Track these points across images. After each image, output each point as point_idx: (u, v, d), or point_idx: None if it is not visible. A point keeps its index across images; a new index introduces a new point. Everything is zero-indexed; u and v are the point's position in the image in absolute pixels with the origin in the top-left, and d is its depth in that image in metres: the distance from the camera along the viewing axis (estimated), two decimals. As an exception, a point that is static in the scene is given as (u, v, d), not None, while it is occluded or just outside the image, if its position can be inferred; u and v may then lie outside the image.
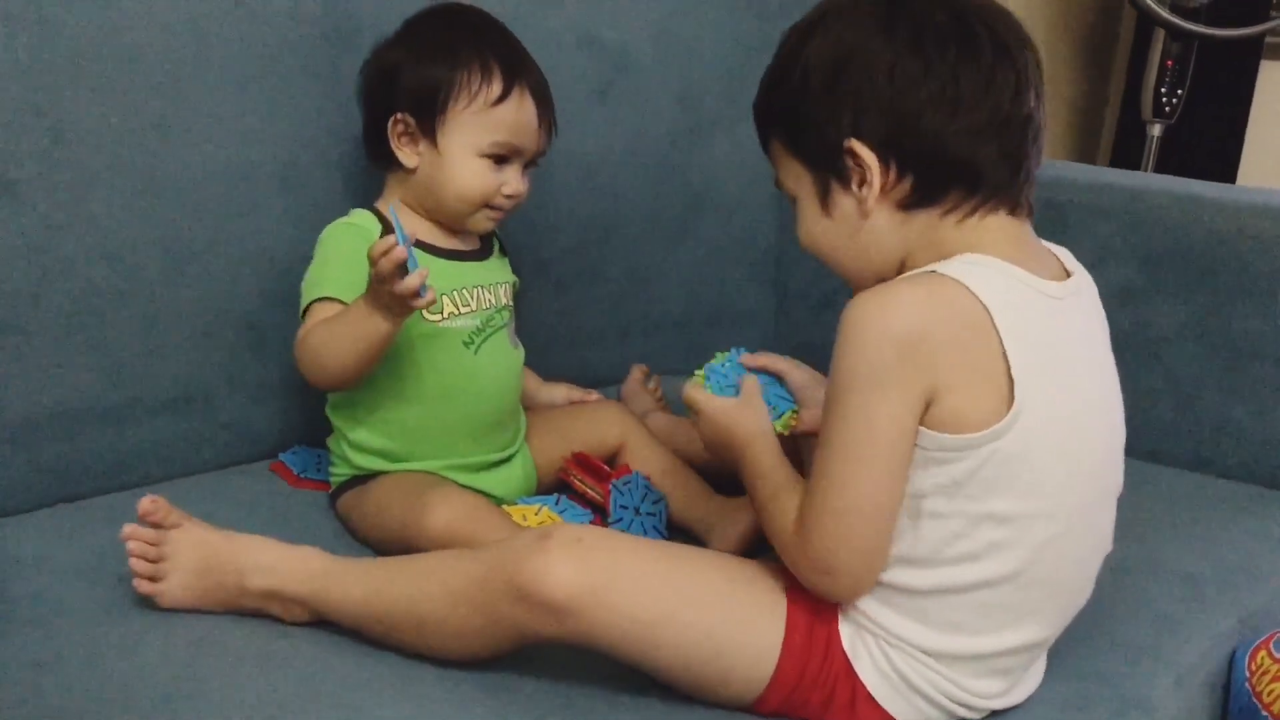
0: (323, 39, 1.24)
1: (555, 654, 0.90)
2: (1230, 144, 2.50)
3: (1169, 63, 2.38)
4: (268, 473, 1.23)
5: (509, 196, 1.15)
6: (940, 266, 0.83)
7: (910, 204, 0.86)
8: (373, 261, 0.98)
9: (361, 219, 1.15)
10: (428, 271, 0.99)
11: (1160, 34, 2.37)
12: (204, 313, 1.19)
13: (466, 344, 1.15)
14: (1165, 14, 2.31)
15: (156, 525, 0.96)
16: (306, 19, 1.23)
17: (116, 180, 1.12)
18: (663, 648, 0.85)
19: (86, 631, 0.93)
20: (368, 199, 1.20)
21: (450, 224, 1.17)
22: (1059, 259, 0.93)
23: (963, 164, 0.85)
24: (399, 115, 1.13)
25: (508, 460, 1.20)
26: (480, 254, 1.21)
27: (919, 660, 0.86)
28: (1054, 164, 1.70)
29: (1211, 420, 1.40)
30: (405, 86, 1.13)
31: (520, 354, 1.22)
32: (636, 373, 1.47)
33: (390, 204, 1.13)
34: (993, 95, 0.84)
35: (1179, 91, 2.42)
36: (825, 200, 0.89)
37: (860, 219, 0.87)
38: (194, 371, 1.19)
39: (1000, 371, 0.81)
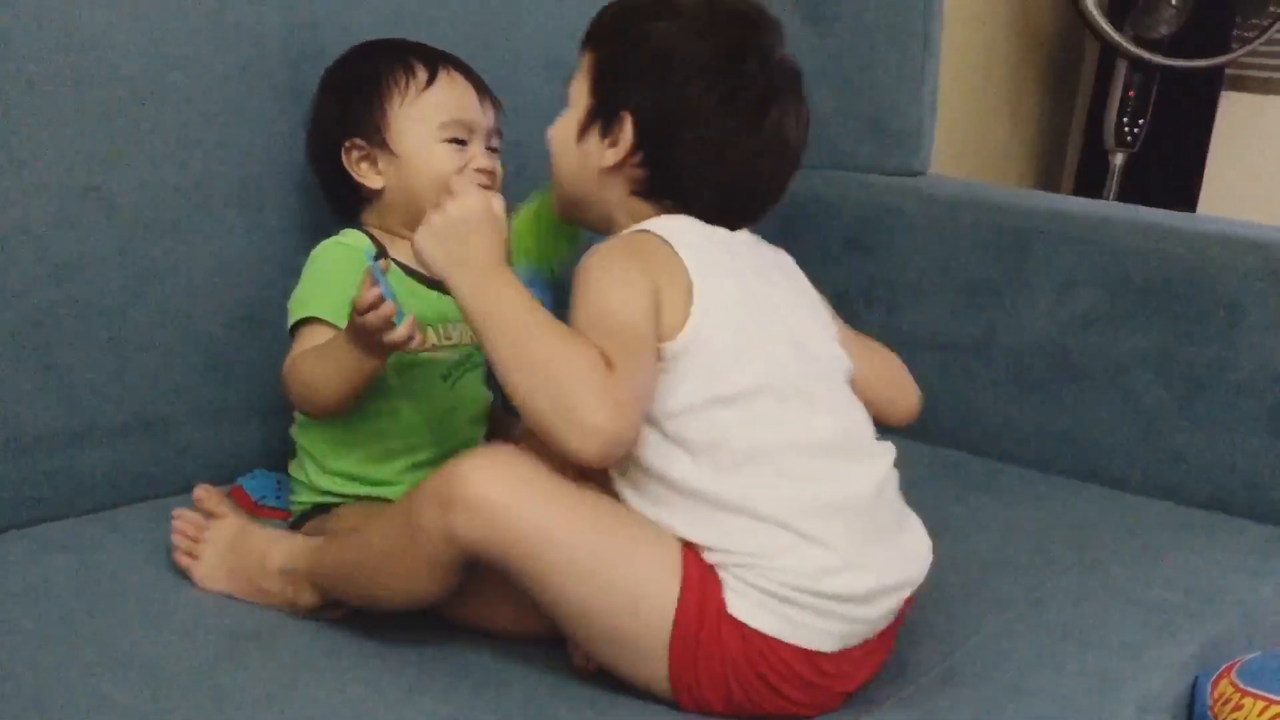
0: (284, 59, 1.23)
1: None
2: (1191, 173, 2.53)
3: (1131, 93, 2.41)
4: (226, 499, 1.21)
5: (480, 171, 1.15)
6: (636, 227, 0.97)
7: (631, 187, 0.99)
8: (358, 311, 0.98)
9: (354, 239, 1.14)
10: (414, 317, 0.99)
11: (1123, 64, 2.40)
12: (162, 335, 1.17)
13: (444, 377, 1.15)
14: (1128, 45, 2.34)
15: (206, 513, 1.06)
16: (268, 39, 1.22)
17: (72, 199, 1.10)
18: (575, 565, 0.87)
19: (33, 661, 0.91)
20: (332, 222, 1.19)
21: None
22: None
23: (690, 188, 0.98)
24: (349, 143, 1.14)
25: None
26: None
27: (759, 569, 0.87)
28: (1019, 192, 1.72)
29: (1172, 447, 1.41)
30: (342, 116, 1.15)
31: (490, 397, 1.22)
32: None
33: (370, 249, 1.11)
34: (754, 162, 0.98)
35: (1141, 121, 2.45)
36: (583, 130, 1.00)
37: (593, 166, 0.99)
38: (151, 395, 1.17)
39: (686, 288, 0.91)
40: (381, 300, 0.97)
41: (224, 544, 1.04)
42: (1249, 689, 1.04)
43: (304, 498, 1.14)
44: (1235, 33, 2.40)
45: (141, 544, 1.09)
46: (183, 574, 1.04)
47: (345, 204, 1.18)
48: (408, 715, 0.88)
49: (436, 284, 1.13)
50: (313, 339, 1.07)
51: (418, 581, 0.92)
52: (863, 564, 0.90)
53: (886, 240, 1.60)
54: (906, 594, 0.94)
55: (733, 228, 1.00)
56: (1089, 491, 1.42)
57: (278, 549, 1.02)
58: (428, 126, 1.14)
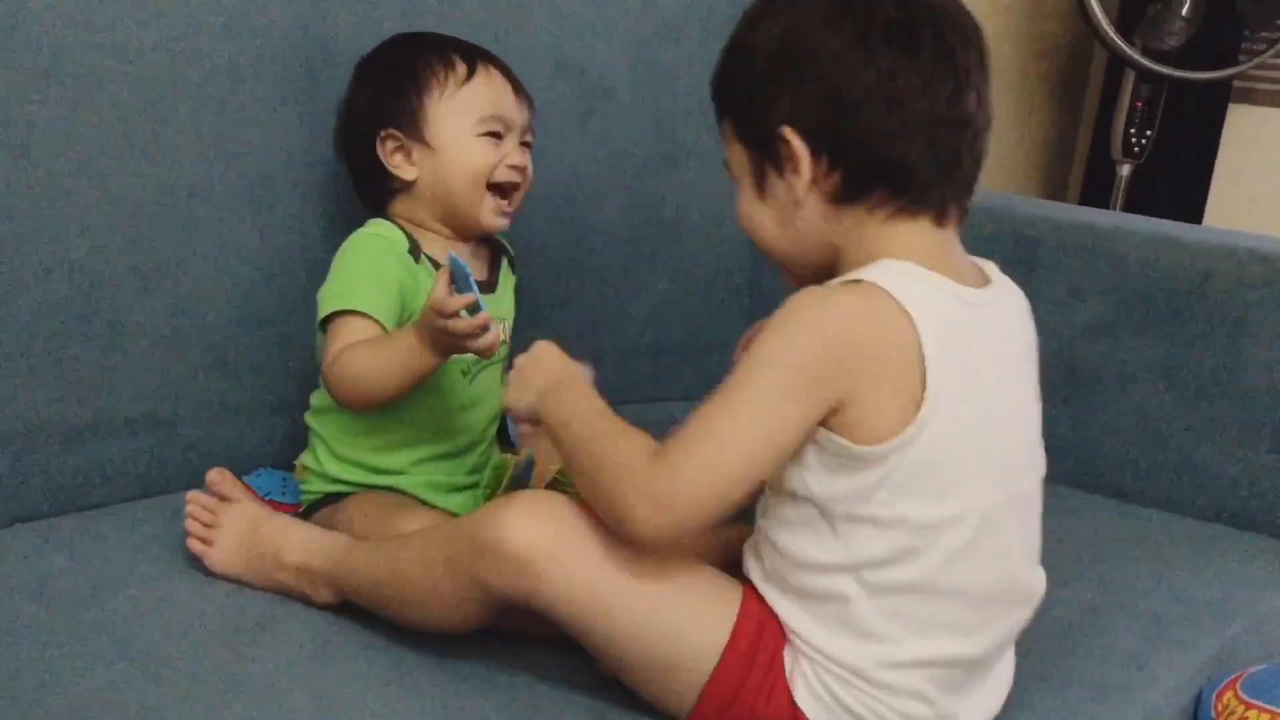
0: (297, 60, 1.23)
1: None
2: (1197, 185, 2.53)
3: (1139, 104, 2.41)
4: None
5: (513, 167, 1.15)
6: (872, 275, 0.84)
7: (839, 198, 0.87)
8: (444, 313, 0.96)
9: (386, 230, 1.13)
10: (500, 323, 0.99)
11: (1130, 75, 2.40)
12: (170, 331, 1.17)
13: (464, 373, 1.15)
14: (1136, 56, 2.34)
15: (220, 496, 1.05)
16: (282, 39, 1.22)
17: (84, 194, 1.11)
18: (615, 618, 0.86)
19: (39, 654, 0.91)
20: (342, 220, 1.19)
21: (465, 225, 1.16)
22: (981, 269, 0.94)
23: (891, 163, 0.85)
24: (384, 133, 1.13)
25: (477, 485, 1.19)
26: (489, 286, 1.20)
27: (849, 682, 0.85)
28: (1026, 201, 1.71)
29: (1178, 458, 1.40)
30: (378, 107, 1.14)
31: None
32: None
33: (449, 252, 1.05)
34: (929, 96, 0.84)
35: (1148, 132, 2.44)
36: (761, 183, 0.90)
37: (793, 206, 0.88)
38: (158, 391, 1.18)
39: (916, 381, 0.82)
40: (476, 307, 0.96)
41: (239, 531, 1.03)
42: (1254, 701, 1.04)
43: (315, 486, 1.15)
44: (1243, 46, 2.40)
45: (148, 539, 1.09)
46: (195, 560, 1.04)
47: (374, 195, 1.18)
48: (410, 710, 0.88)
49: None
50: (353, 332, 1.06)
51: (450, 615, 0.92)
52: (954, 713, 0.88)
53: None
54: None
55: (959, 206, 0.88)
56: (1095, 502, 1.41)
57: (294, 543, 1.01)
58: (466, 120, 1.14)
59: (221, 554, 1.03)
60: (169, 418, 1.19)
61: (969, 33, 0.88)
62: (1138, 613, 1.13)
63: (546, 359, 0.97)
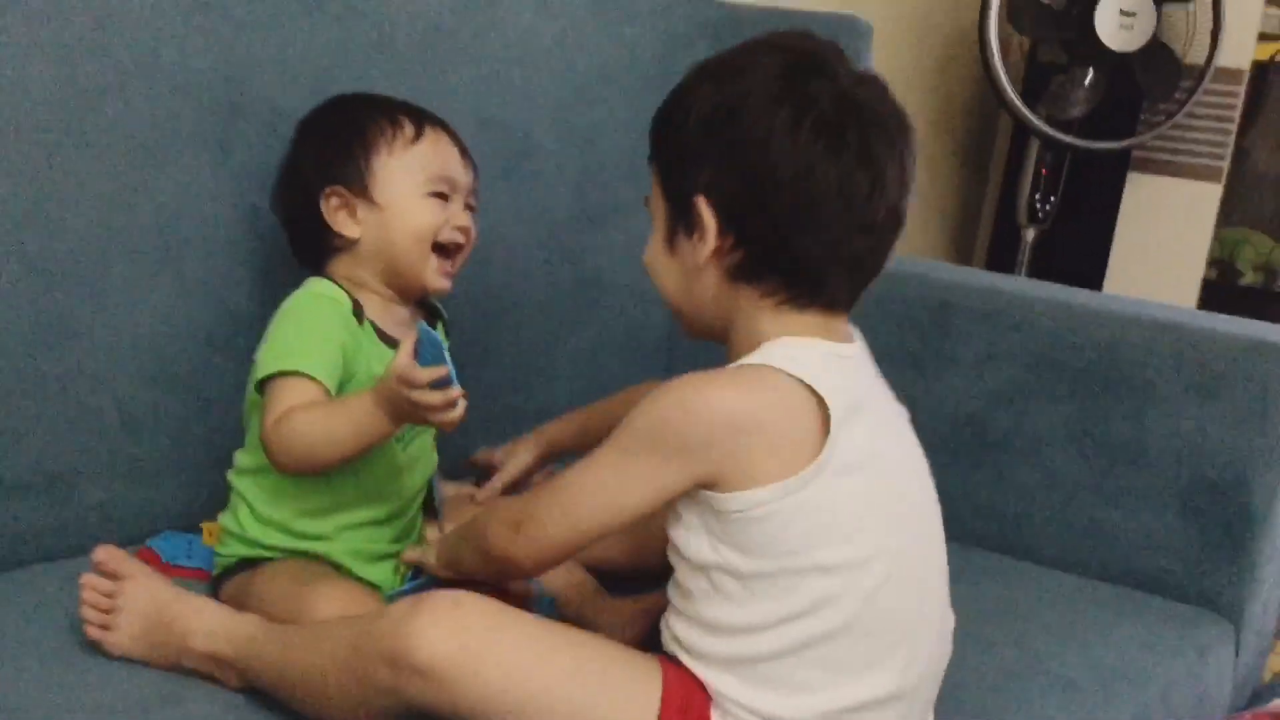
0: (215, 111, 1.20)
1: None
2: (1098, 250, 2.61)
3: (1043, 171, 2.48)
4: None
5: (459, 228, 1.14)
6: (759, 358, 0.86)
7: (736, 275, 0.89)
8: (412, 384, 0.93)
9: (329, 289, 1.10)
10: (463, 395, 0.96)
11: (1035, 143, 2.47)
12: (74, 389, 1.13)
13: (398, 439, 1.12)
14: (1041, 124, 2.41)
15: (111, 575, 0.99)
16: (201, 89, 1.19)
17: (-13, 247, 1.06)
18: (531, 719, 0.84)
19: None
20: (258, 280, 1.16)
21: (407, 284, 1.14)
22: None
23: (792, 256, 0.87)
24: (329, 190, 1.11)
25: (394, 558, 1.16)
26: None
27: None
28: (940, 265, 1.74)
29: (1086, 522, 1.43)
30: (323, 164, 1.12)
31: (435, 459, 1.20)
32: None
33: (419, 322, 1.04)
34: (841, 199, 0.86)
35: (1052, 198, 2.52)
36: (670, 238, 0.92)
37: (694, 270, 0.90)
38: (60, 450, 1.13)
39: (811, 436, 0.84)
40: (447, 380, 0.93)
41: (139, 613, 0.98)
42: (1167, 769, 1.05)
43: (232, 549, 1.10)
44: (1142, 117, 2.49)
45: (46, 605, 1.05)
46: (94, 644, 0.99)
47: (313, 254, 1.15)
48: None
49: (390, 338, 1.13)
50: (296, 394, 1.02)
51: (357, 717, 0.89)
52: None
53: (811, 309, 1.61)
54: None
55: (849, 297, 0.91)
56: (1006, 564, 1.43)
57: (199, 629, 0.97)
58: (414, 179, 1.12)
59: (121, 636, 0.98)
60: (71, 478, 1.14)
61: (897, 137, 0.89)
62: (1053, 679, 1.14)
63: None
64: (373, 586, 1.09)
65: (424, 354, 0.94)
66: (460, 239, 1.15)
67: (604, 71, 1.57)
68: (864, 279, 0.91)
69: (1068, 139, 2.42)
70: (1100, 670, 1.17)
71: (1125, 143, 2.47)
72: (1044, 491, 1.45)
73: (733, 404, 0.84)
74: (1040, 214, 2.53)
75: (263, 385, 1.05)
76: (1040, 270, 2.51)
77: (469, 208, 1.18)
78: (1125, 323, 1.42)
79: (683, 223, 0.90)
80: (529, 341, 1.54)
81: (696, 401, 0.84)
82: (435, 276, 1.14)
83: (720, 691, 0.87)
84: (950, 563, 1.39)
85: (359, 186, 1.11)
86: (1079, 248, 2.60)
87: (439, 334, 0.96)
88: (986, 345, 1.49)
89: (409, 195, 1.12)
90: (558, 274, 1.55)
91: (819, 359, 0.87)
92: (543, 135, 1.52)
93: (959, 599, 1.28)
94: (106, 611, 0.98)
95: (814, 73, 0.88)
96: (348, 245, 1.13)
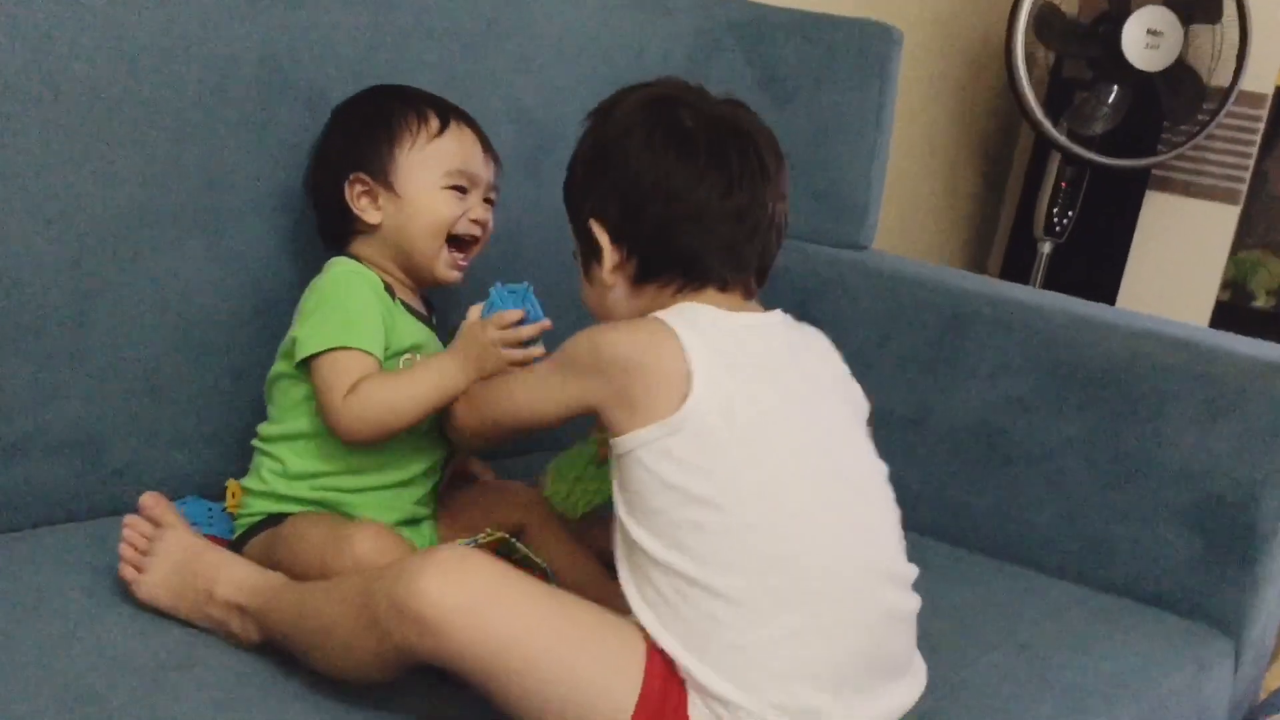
0: (253, 88, 1.22)
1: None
2: (1113, 265, 2.62)
3: (1063, 185, 2.49)
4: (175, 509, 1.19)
5: (475, 222, 1.18)
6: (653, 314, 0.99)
7: (638, 278, 1.02)
8: (508, 341, 1.09)
9: (358, 267, 1.15)
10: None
11: (1056, 157, 2.48)
12: (105, 354, 1.15)
13: None
14: (1062, 139, 2.43)
15: (154, 521, 1.04)
16: (239, 67, 1.21)
17: (26, 214, 1.08)
18: (528, 675, 0.87)
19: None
20: (290, 253, 1.18)
21: (419, 273, 1.18)
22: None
23: (676, 250, 1.00)
24: (353, 176, 1.16)
25: (418, 523, 1.18)
26: (428, 321, 1.21)
27: (726, 702, 0.87)
28: (959, 273, 1.75)
29: (1093, 534, 1.44)
30: (350, 151, 1.17)
31: None
32: None
33: (525, 284, 1.14)
34: (700, 192, 0.99)
35: (1070, 213, 2.53)
36: (586, 269, 1.06)
37: (606, 286, 1.04)
38: (89, 414, 1.15)
39: (678, 378, 0.92)
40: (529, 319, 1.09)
41: (173, 560, 1.02)
42: (1163, 777, 1.07)
43: (255, 507, 1.13)
44: (1163, 136, 2.50)
45: (71, 565, 1.07)
46: (119, 589, 1.02)
47: (336, 234, 1.20)
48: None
49: (417, 312, 1.18)
50: (358, 367, 1.08)
51: (367, 669, 0.92)
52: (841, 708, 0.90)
53: (829, 311, 1.63)
54: None
55: (737, 277, 1.02)
56: (1011, 573, 1.44)
57: (227, 579, 1.00)
58: (434, 172, 1.16)
59: (151, 583, 1.02)
60: (99, 441, 1.16)
61: (749, 140, 1.02)
62: (1053, 685, 1.16)
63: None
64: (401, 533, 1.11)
65: (493, 306, 1.10)
66: (476, 231, 1.19)
67: (636, 66, 1.58)
68: (746, 262, 1.02)
69: (1088, 154, 2.43)
70: (1100, 679, 1.19)
71: (1145, 161, 2.49)
72: (1052, 501, 1.47)
73: (617, 341, 0.97)
74: (1057, 228, 2.54)
75: (310, 362, 1.08)
76: (1054, 284, 2.52)
77: (488, 201, 1.21)
78: (1140, 337, 1.44)
79: (590, 252, 1.04)
80: (554, 332, 1.55)
81: (595, 339, 0.98)
82: (446, 268, 1.19)
83: (684, 666, 0.89)
84: (956, 567, 1.43)
85: (382, 175, 1.16)
86: (1094, 263, 2.61)
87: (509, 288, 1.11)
88: (1000, 355, 1.51)
89: (428, 188, 1.16)
90: (581, 264, 1.57)
91: (702, 319, 0.97)
92: (572, 127, 1.52)
93: (962, 603, 1.31)
94: (143, 554, 1.03)
95: (671, 101, 1.03)
96: (368, 229, 1.17)
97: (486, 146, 1.22)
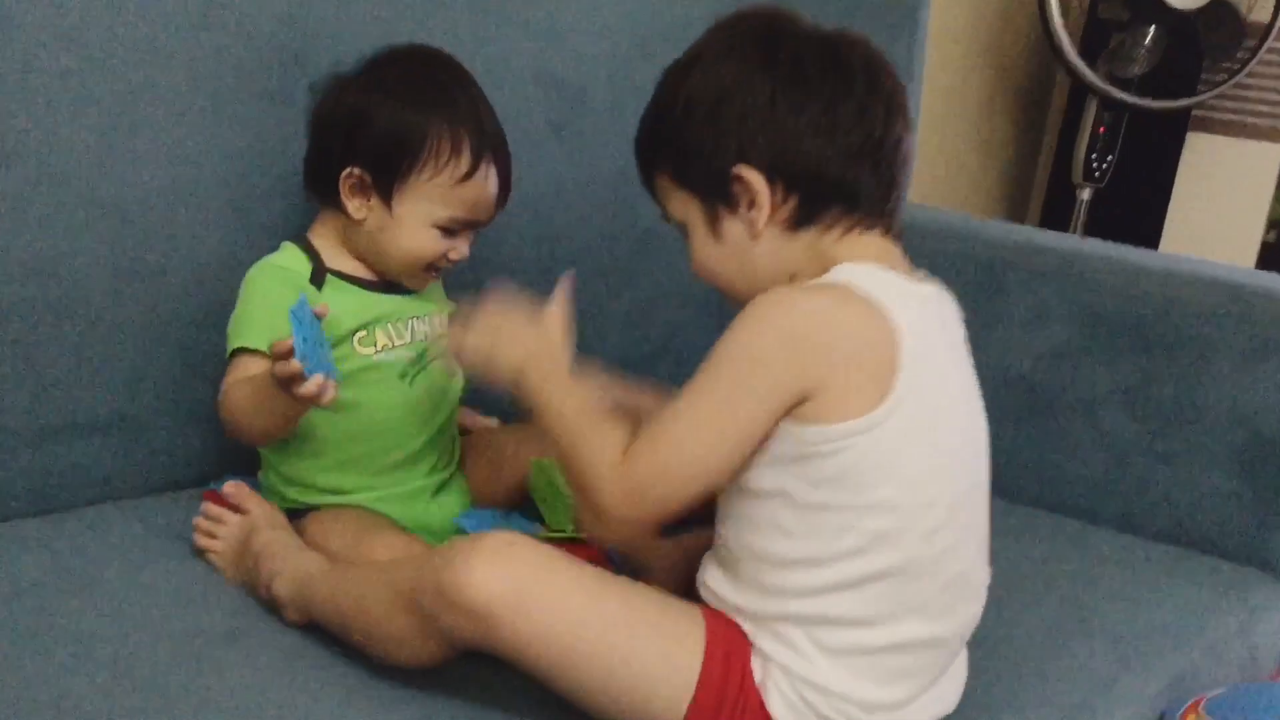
0: (277, 61, 1.22)
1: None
2: (1155, 210, 2.58)
3: (1101, 129, 2.45)
4: (200, 500, 1.20)
5: (454, 261, 1.14)
6: (837, 277, 0.89)
7: (796, 223, 0.92)
8: (272, 357, 0.95)
9: (289, 259, 1.11)
10: (327, 377, 0.96)
11: (1094, 101, 2.44)
12: (142, 334, 1.16)
13: (402, 376, 1.13)
14: (1100, 83, 2.38)
15: (234, 508, 1.08)
16: (262, 40, 1.21)
17: (60, 195, 1.09)
18: (581, 666, 0.86)
19: (5, 660, 0.89)
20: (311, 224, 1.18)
21: (386, 274, 1.14)
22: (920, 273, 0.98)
23: (841, 182, 0.91)
24: (356, 170, 1.09)
25: (441, 489, 1.19)
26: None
27: (821, 688, 0.87)
28: (994, 224, 1.73)
29: (1138, 481, 1.43)
30: (369, 143, 1.08)
31: (459, 383, 1.21)
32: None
33: (297, 302, 0.98)
34: (866, 121, 0.91)
35: (1109, 157, 2.49)
36: (715, 226, 0.94)
37: (750, 241, 0.93)
38: (128, 394, 1.16)
39: (886, 366, 0.85)
40: (291, 352, 0.93)
41: (234, 541, 1.06)
42: (1215, 724, 1.06)
43: (275, 501, 1.13)
44: (1203, 76, 2.45)
45: (115, 543, 1.08)
46: (163, 567, 1.05)
47: (321, 191, 1.12)
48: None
49: (379, 285, 1.14)
50: (245, 368, 1.06)
51: (416, 655, 0.91)
52: (923, 700, 0.91)
53: (864, 266, 1.61)
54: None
55: (899, 222, 0.95)
56: (1057, 523, 1.43)
57: (268, 564, 1.01)
58: (435, 212, 1.10)
59: (222, 560, 1.07)
60: (139, 421, 1.17)
61: (888, 67, 0.95)
62: (1100, 634, 1.15)
63: (526, 335, 0.96)
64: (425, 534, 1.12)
65: (297, 329, 0.94)
66: (449, 265, 1.14)
67: (662, 30, 1.56)
68: (901, 196, 0.95)
69: (1127, 97, 2.39)
70: (1148, 627, 1.18)
71: (1185, 102, 2.44)
72: (1096, 451, 1.45)
73: (819, 321, 0.86)
74: (1097, 173, 2.50)
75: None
76: (1095, 230, 2.48)
77: (479, 228, 1.15)
78: (1180, 281, 1.41)
79: (723, 204, 0.93)
80: (584, 296, 1.54)
81: (792, 309, 0.86)
82: (415, 283, 1.15)
83: (756, 632, 0.88)
84: (998, 521, 1.40)
85: (384, 185, 1.09)
86: (1135, 208, 2.57)
87: (305, 308, 0.95)
88: (1039, 304, 1.49)
89: (419, 220, 1.09)
90: (611, 229, 1.56)
91: (893, 289, 0.88)
92: (598, 92, 1.52)
93: (1006, 556, 1.29)
94: (209, 535, 1.08)
95: (779, 31, 0.94)
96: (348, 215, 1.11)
97: (503, 190, 1.14)
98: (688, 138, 0.93)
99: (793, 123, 0.90)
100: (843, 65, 0.92)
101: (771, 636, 0.88)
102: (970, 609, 0.94)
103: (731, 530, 0.91)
